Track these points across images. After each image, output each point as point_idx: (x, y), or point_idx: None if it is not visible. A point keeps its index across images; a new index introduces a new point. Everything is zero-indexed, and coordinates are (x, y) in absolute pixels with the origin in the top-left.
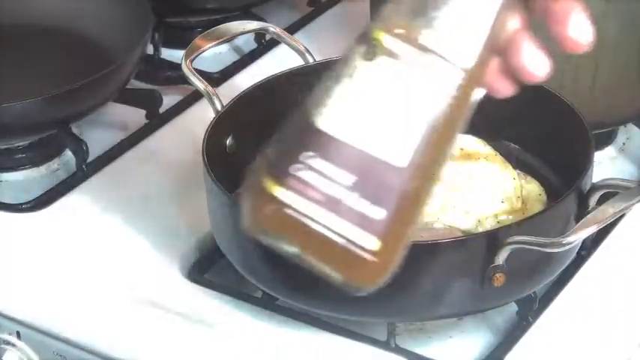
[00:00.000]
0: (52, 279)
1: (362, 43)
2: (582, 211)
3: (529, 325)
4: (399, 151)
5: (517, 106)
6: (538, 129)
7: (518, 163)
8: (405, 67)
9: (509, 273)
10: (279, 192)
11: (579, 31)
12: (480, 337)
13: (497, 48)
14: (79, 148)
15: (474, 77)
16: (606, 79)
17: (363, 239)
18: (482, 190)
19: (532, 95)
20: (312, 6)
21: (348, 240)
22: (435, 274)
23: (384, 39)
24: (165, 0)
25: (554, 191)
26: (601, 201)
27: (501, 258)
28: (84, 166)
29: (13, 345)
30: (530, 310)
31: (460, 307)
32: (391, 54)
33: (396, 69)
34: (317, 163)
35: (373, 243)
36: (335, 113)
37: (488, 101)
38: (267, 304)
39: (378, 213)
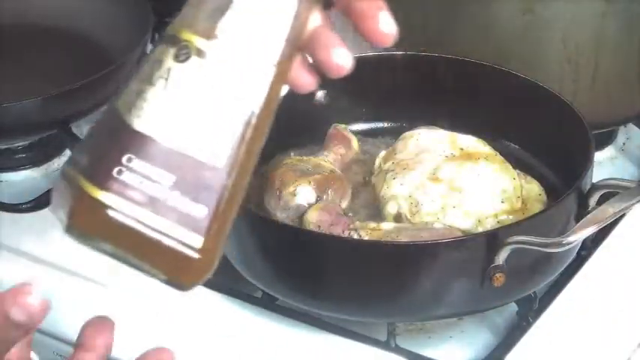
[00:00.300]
0: (51, 279)
1: (171, 45)
2: (582, 211)
3: (529, 325)
4: (216, 150)
5: (517, 106)
6: (538, 129)
7: (518, 163)
8: (217, 67)
9: (509, 273)
10: (101, 195)
11: (388, 25)
12: (480, 337)
13: (301, 44)
14: None
15: (280, 73)
16: (606, 79)
17: (186, 237)
18: (482, 190)
19: (532, 95)
20: None
21: (172, 239)
22: (435, 274)
23: (195, 40)
24: (165, 0)
25: (554, 191)
26: (601, 201)
27: (501, 258)
28: None
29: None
30: (530, 310)
31: (460, 307)
32: (202, 54)
33: (208, 69)
34: (137, 164)
35: (197, 241)
36: (152, 115)
37: (488, 102)
38: (267, 304)
39: (200, 211)
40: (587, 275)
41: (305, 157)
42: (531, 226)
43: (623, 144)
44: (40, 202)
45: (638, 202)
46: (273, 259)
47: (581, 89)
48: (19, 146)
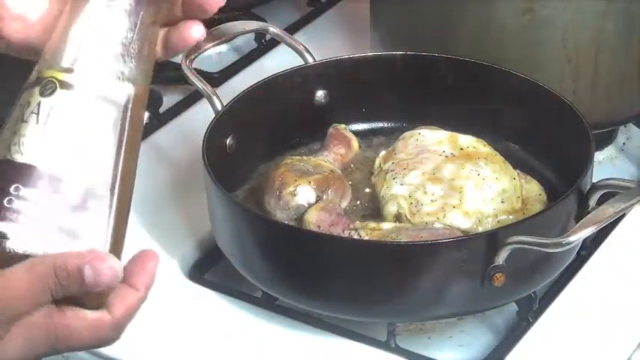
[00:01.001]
0: None
1: (35, 85)
2: (582, 211)
3: (529, 325)
4: (96, 166)
5: (517, 106)
6: (538, 129)
7: (518, 163)
8: (81, 93)
9: (509, 273)
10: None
11: None
12: (480, 337)
13: (156, 35)
14: None
15: (140, 84)
16: (606, 79)
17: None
18: (482, 190)
19: (532, 95)
20: (312, 6)
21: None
22: (435, 274)
23: (57, 75)
24: None
25: (554, 191)
26: (601, 201)
27: (501, 258)
28: None
29: None
30: (530, 310)
31: (460, 307)
32: (65, 85)
33: (74, 96)
34: (25, 192)
35: None
36: (32, 146)
37: (488, 102)
38: (267, 304)
39: (93, 228)
40: (587, 275)
41: (305, 157)
42: (531, 226)
43: (623, 144)
44: None
45: (638, 202)
46: (273, 259)
47: (581, 89)
48: None
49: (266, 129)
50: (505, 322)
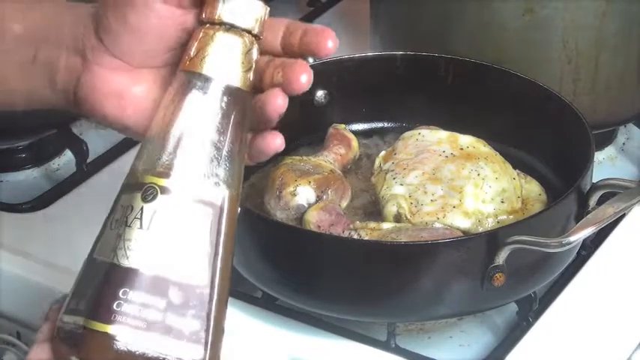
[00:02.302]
0: (52, 279)
1: (137, 190)
2: (582, 211)
3: (529, 325)
4: (196, 269)
5: (517, 106)
6: (538, 129)
7: (518, 163)
8: (180, 198)
9: (509, 273)
10: (109, 329)
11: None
12: (480, 337)
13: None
14: (79, 148)
15: (234, 191)
16: (606, 79)
17: (188, 351)
18: (482, 190)
19: (532, 95)
20: (312, 6)
21: (177, 355)
22: (435, 274)
23: (157, 180)
24: None
25: (554, 191)
26: (601, 201)
27: (501, 258)
28: (84, 166)
29: (13, 345)
30: (530, 310)
31: (460, 307)
32: (166, 191)
33: (173, 202)
34: (133, 296)
35: (198, 352)
36: (136, 252)
37: (488, 102)
38: (267, 304)
39: (194, 325)
40: (587, 275)
41: (305, 157)
42: (531, 226)
43: (623, 144)
44: (40, 202)
45: (638, 202)
46: (273, 259)
47: (581, 89)
48: (19, 146)
49: None
50: (505, 322)
